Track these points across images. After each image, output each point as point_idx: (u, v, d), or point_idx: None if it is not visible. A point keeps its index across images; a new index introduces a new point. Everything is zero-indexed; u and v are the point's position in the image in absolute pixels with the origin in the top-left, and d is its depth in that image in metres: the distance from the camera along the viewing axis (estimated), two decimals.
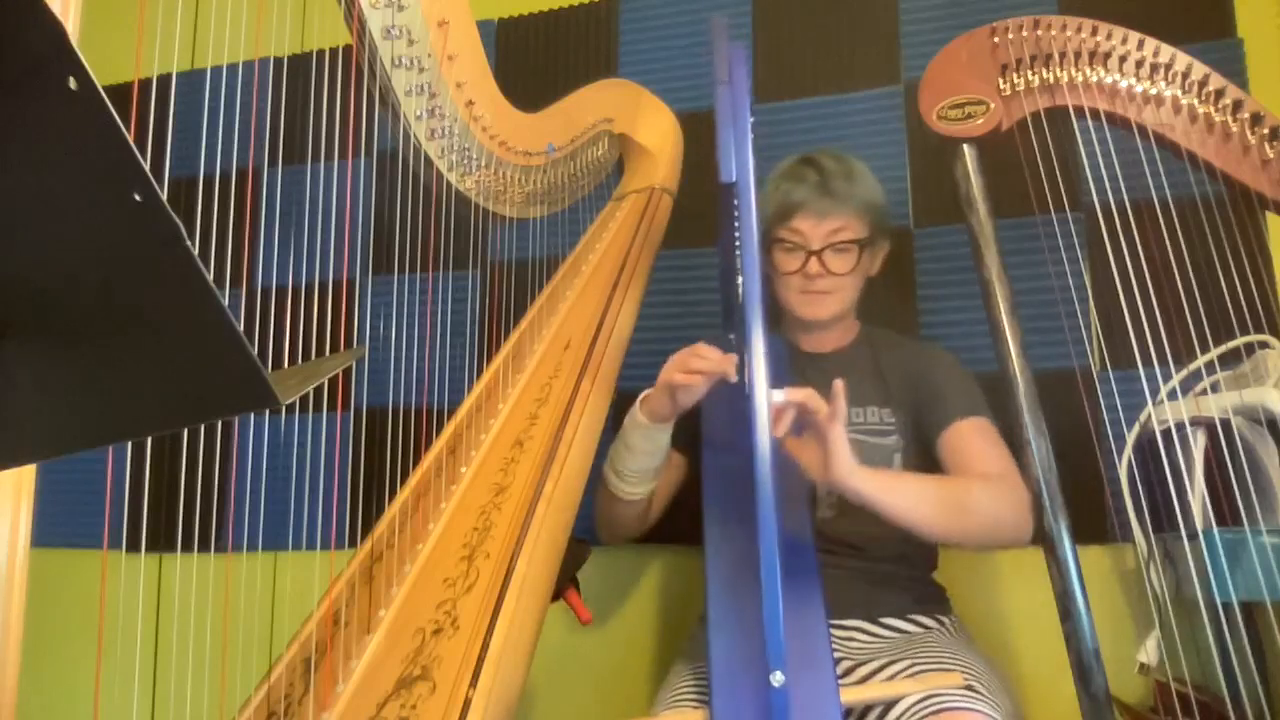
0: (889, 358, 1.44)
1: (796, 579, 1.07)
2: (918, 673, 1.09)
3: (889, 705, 1.05)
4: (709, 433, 1.30)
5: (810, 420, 1.11)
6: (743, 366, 1.15)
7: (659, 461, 1.33)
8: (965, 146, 1.23)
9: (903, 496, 1.16)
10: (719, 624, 1.03)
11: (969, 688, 1.04)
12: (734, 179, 0.97)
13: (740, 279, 1.01)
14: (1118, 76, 1.20)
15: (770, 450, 0.90)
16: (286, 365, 0.90)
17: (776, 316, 1.53)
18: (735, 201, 0.99)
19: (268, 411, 1.50)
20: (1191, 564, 1.17)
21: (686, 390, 1.20)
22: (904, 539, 1.35)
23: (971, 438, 1.31)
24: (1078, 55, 1.21)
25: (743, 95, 1.01)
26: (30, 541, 0.68)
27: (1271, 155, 1.14)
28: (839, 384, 1.09)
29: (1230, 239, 1.31)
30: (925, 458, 1.35)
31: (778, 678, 0.84)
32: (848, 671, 1.16)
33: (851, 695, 1.05)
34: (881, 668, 1.13)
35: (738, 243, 1.01)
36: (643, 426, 1.27)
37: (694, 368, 1.20)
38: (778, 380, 1.31)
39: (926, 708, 1.02)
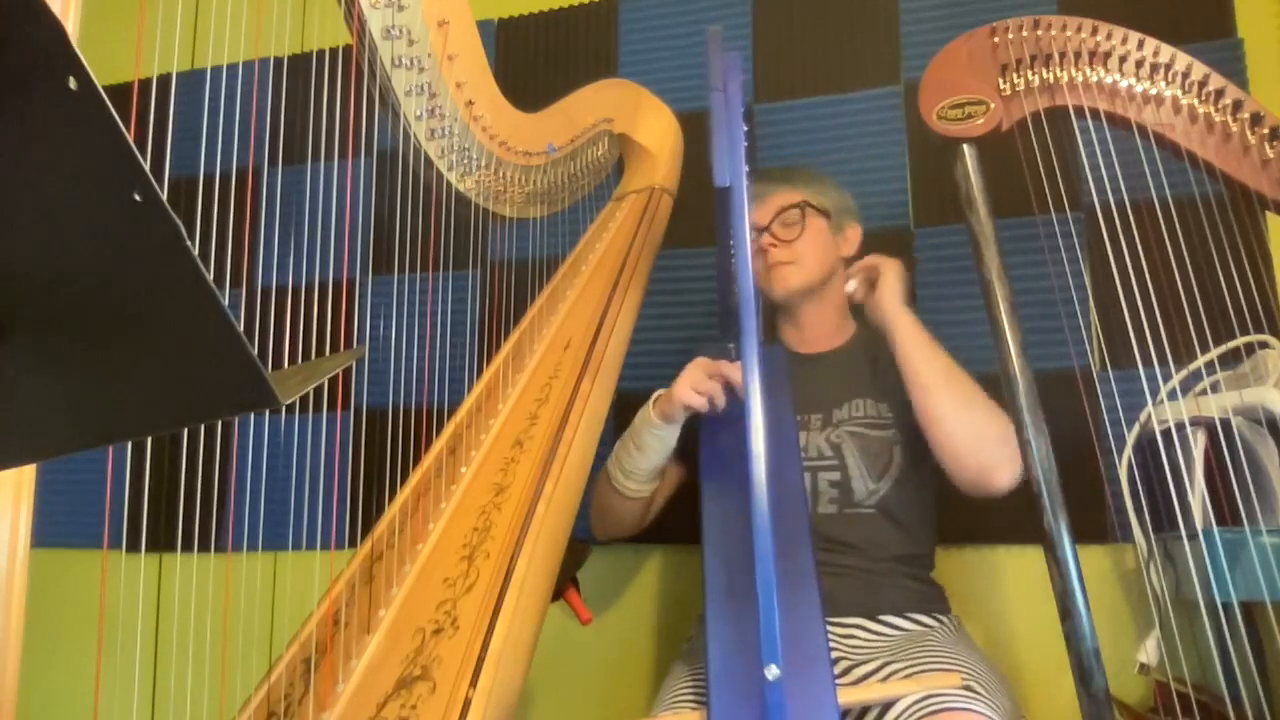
0: (886, 355, 1.45)
1: (793, 577, 1.07)
2: (916, 673, 1.10)
3: (887, 705, 1.05)
4: (707, 434, 1.31)
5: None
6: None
7: (665, 460, 1.36)
8: (965, 146, 1.23)
9: (925, 350, 1.31)
10: (717, 625, 1.03)
11: (967, 688, 1.04)
12: (728, 183, 0.98)
13: (735, 283, 1.01)
14: (1118, 76, 1.20)
15: (764, 451, 0.90)
16: (286, 365, 0.90)
17: (774, 324, 1.55)
18: (730, 205, 1.00)
19: (268, 411, 1.50)
20: (1191, 564, 1.17)
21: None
22: (902, 539, 1.35)
23: None
24: (1078, 55, 1.21)
25: (736, 102, 1.03)
26: (30, 541, 0.68)
27: (1271, 155, 1.14)
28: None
29: (1230, 239, 1.31)
30: (924, 449, 1.36)
31: (772, 671, 0.84)
32: (846, 671, 1.16)
33: (849, 696, 1.05)
34: (880, 667, 1.14)
35: (732, 247, 1.01)
36: (657, 427, 1.30)
37: (712, 390, 1.27)
38: (777, 388, 1.33)
39: (925, 708, 1.02)
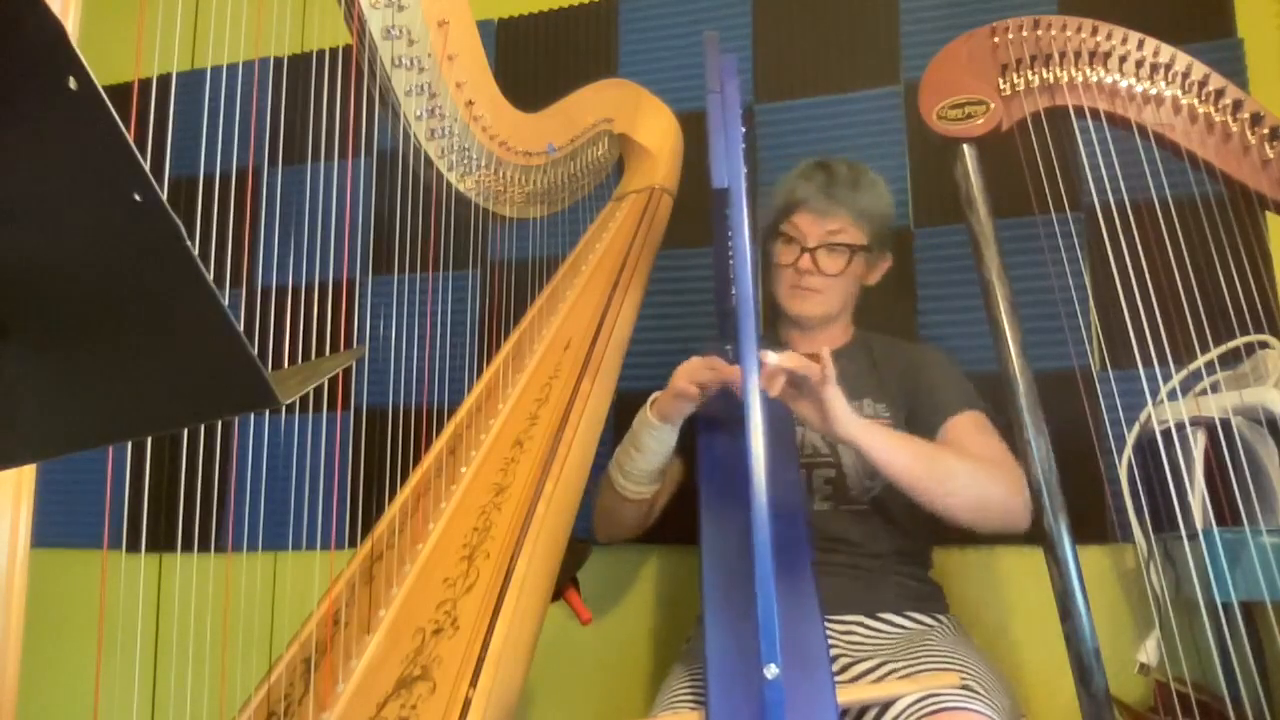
0: (884, 358, 1.46)
1: (792, 577, 1.07)
2: (915, 672, 1.10)
3: (886, 704, 1.05)
4: (705, 436, 1.31)
5: (804, 383, 1.17)
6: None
7: (665, 461, 1.35)
8: (965, 146, 1.23)
9: (895, 453, 1.21)
10: (715, 624, 1.03)
11: (966, 687, 1.04)
12: (726, 184, 0.98)
13: (733, 286, 1.01)
14: (1118, 76, 1.20)
15: (764, 452, 0.90)
16: (286, 365, 0.90)
17: (771, 318, 1.54)
18: (727, 207, 1.00)
19: (268, 411, 1.50)
20: (1191, 564, 1.17)
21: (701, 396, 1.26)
22: (897, 535, 1.35)
23: (967, 431, 1.34)
24: (1078, 55, 1.21)
25: (733, 104, 1.03)
26: (30, 541, 0.68)
27: (1271, 155, 1.14)
28: (826, 350, 1.16)
29: (1230, 239, 1.31)
30: None
31: (771, 670, 0.84)
32: (845, 668, 1.16)
33: (848, 695, 1.05)
34: (879, 666, 1.14)
35: (730, 249, 1.02)
36: (654, 427, 1.30)
37: (707, 380, 1.23)
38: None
39: (924, 707, 1.01)
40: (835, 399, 1.17)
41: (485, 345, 1.86)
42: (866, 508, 1.35)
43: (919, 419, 1.37)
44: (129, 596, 1.52)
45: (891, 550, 1.34)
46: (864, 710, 1.09)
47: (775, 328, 1.55)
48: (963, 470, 1.25)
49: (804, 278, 1.42)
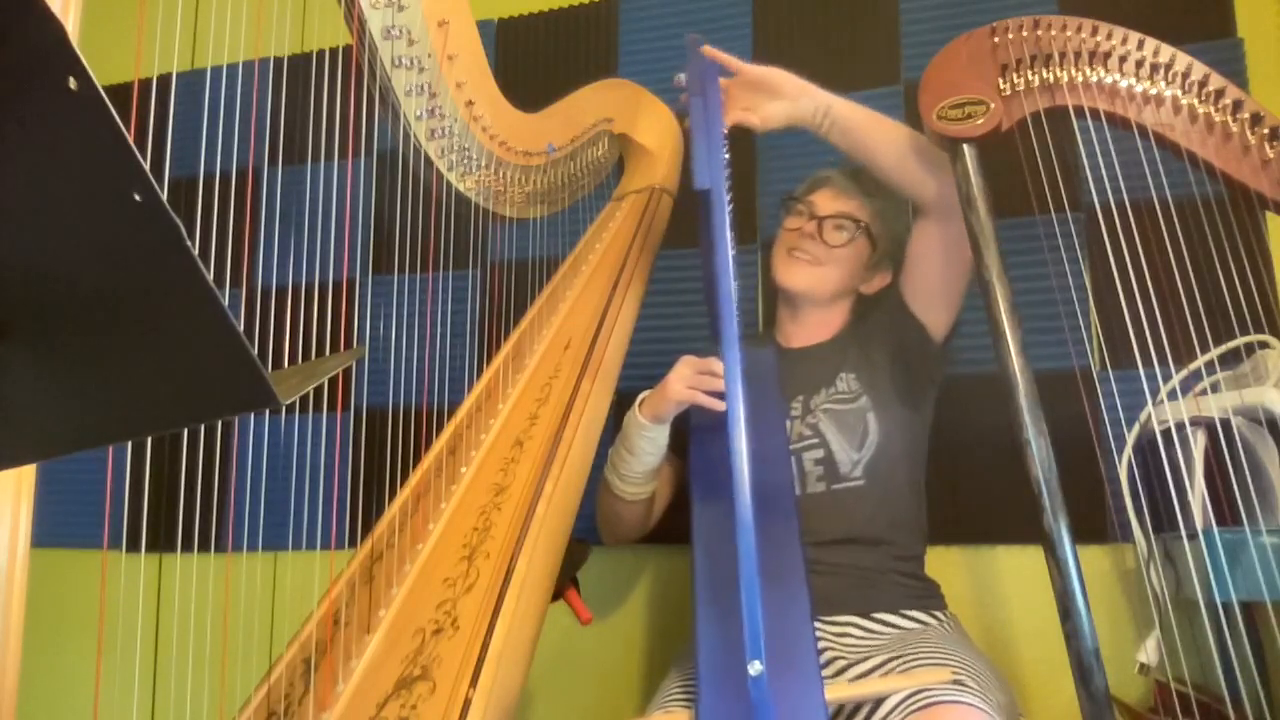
0: (861, 328, 1.46)
1: (781, 575, 1.07)
2: (908, 669, 1.10)
3: (879, 701, 1.05)
4: (697, 433, 1.31)
5: (733, 71, 1.30)
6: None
7: (659, 460, 1.36)
8: (965, 146, 1.23)
9: (870, 115, 1.35)
10: (706, 624, 1.03)
11: (959, 682, 1.04)
12: (708, 186, 0.99)
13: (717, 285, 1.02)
14: (1118, 76, 1.20)
15: (746, 449, 0.90)
16: (286, 365, 0.90)
17: (769, 318, 1.54)
18: (710, 209, 1.01)
19: (268, 411, 1.50)
20: (1191, 564, 1.17)
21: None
22: (892, 507, 1.35)
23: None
24: (1078, 55, 1.21)
25: (715, 106, 1.04)
26: (30, 541, 0.68)
27: (1271, 155, 1.14)
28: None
29: (1230, 239, 1.31)
30: (900, 414, 1.38)
31: (755, 667, 0.85)
32: (842, 670, 1.16)
33: (838, 692, 1.05)
34: (874, 667, 1.14)
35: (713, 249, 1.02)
36: (645, 428, 1.30)
37: (718, 389, 1.23)
38: (765, 389, 1.33)
39: (916, 703, 1.01)
40: (755, 69, 1.29)
41: (485, 345, 1.86)
42: (861, 483, 1.35)
43: (902, 291, 1.40)
44: (129, 596, 1.52)
45: (889, 523, 1.34)
46: (857, 707, 1.09)
47: (774, 316, 1.55)
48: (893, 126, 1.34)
49: (803, 241, 1.43)
